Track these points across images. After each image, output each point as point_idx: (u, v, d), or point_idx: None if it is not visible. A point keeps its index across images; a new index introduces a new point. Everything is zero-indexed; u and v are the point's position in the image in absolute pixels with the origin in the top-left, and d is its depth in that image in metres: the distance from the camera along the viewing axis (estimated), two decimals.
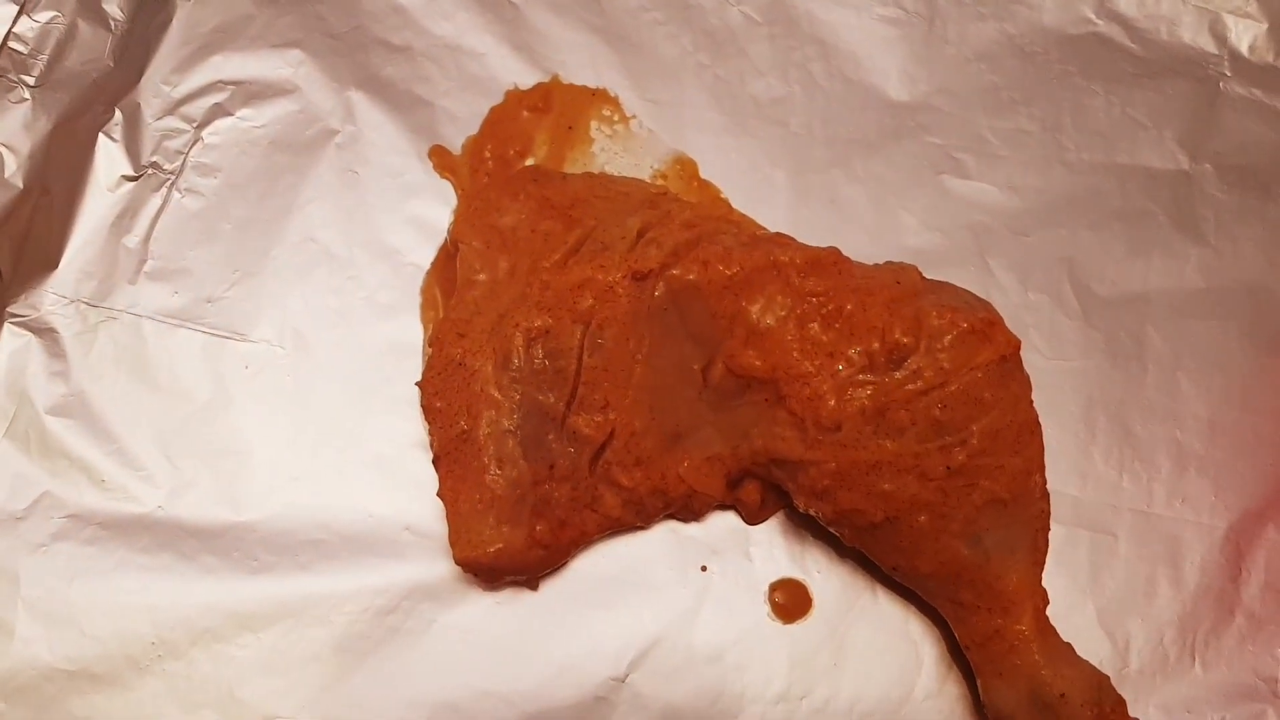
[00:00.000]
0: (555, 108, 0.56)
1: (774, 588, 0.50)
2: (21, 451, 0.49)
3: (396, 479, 0.50)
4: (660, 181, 0.55)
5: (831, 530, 0.48)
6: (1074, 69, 0.56)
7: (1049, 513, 0.47)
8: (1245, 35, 0.55)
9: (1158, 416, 0.52)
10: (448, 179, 0.55)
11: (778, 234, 0.51)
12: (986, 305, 0.48)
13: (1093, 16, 0.56)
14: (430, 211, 0.54)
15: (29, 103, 0.51)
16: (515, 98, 0.56)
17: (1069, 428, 0.52)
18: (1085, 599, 0.50)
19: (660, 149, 0.56)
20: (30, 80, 0.51)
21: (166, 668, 0.47)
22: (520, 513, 0.48)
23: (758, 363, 0.47)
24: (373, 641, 0.48)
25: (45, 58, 0.52)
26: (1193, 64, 0.55)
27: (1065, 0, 0.56)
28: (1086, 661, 0.46)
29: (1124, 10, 0.56)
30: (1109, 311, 0.53)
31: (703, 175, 0.55)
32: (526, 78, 0.56)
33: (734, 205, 0.55)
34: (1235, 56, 0.55)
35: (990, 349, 0.46)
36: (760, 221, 0.55)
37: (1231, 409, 0.51)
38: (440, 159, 0.55)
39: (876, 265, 0.50)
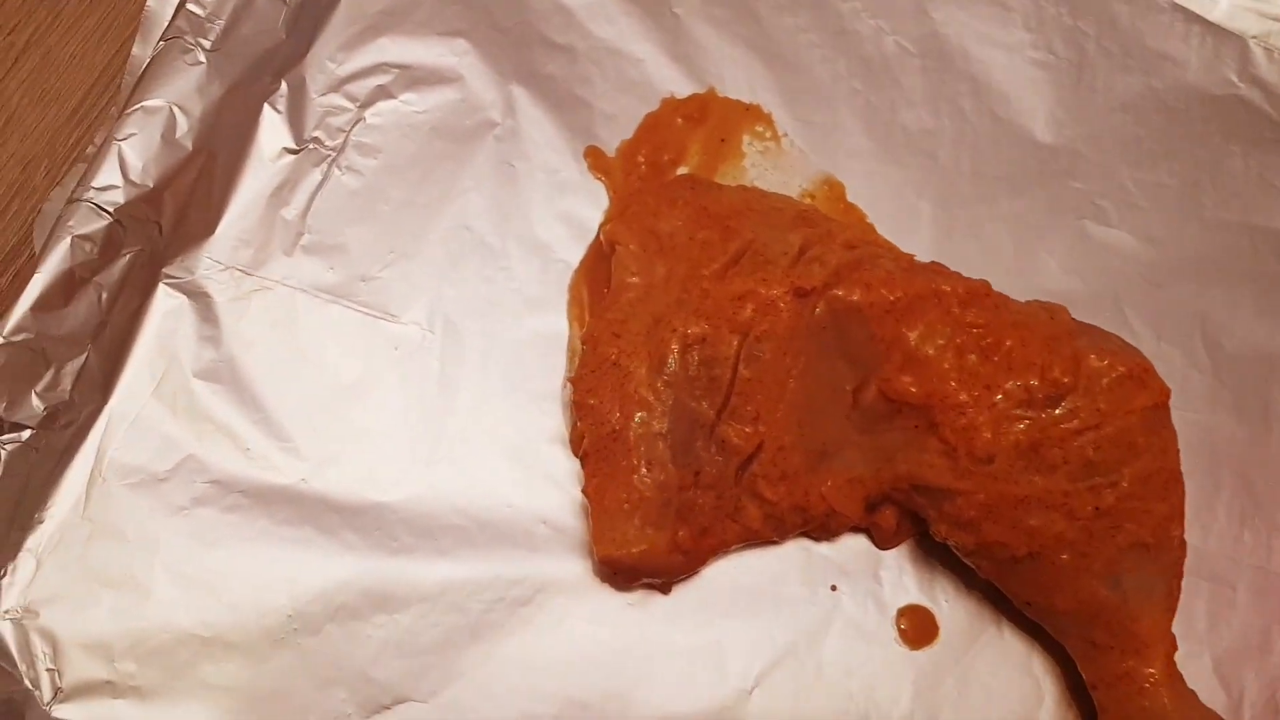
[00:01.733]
0: (710, 119, 0.56)
1: (901, 613, 0.50)
2: (169, 412, 0.49)
3: (535, 472, 0.51)
4: (808, 201, 0.56)
5: (968, 562, 0.49)
6: (1214, 129, 0.57)
7: (1184, 561, 0.48)
8: None
9: (1279, 476, 0.53)
10: (600, 180, 0.55)
11: (934, 263, 0.51)
12: (1137, 351, 0.49)
13: (1235, 79, 0.57)
14: (582, 210, 0.55)
15: (204, 66, 0.51)
16: (671, 106, 0.57)
17: (1194, 479, 0.52)
18: (1203, 648, 0.50)
19: (809, 169, 0.56)
20: (207, 44, 0.51)
21: (301, 641, 0.47)
22: (665, 516, 0.48)
23: (913, 389, 0.47)
24: (505, 631, 0.48)
25: (222, 23, 0.52)
26: None
27: (1210, 61, 0.58)
28: (1212, 710, 0.47)
29: (1265, 76, 0.57)
30: (1237, 369, 0.54)
31: (849, 198, 0.56)
32: (683, 87, 0.57)
33: (879, 231, 0.56)
34: None
35: (1146, 395, 0.46)
36: (904, 250, 0.55)
37: None
38: (595, 159, 0.56)
39: (1028, 303, 0.50)
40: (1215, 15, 0.58)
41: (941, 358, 0.47)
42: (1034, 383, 0.47)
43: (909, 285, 0.48)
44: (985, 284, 0.50)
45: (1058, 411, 0.46)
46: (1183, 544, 0.48)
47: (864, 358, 0.48)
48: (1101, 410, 0.46)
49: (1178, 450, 0.48)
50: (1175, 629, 0.49)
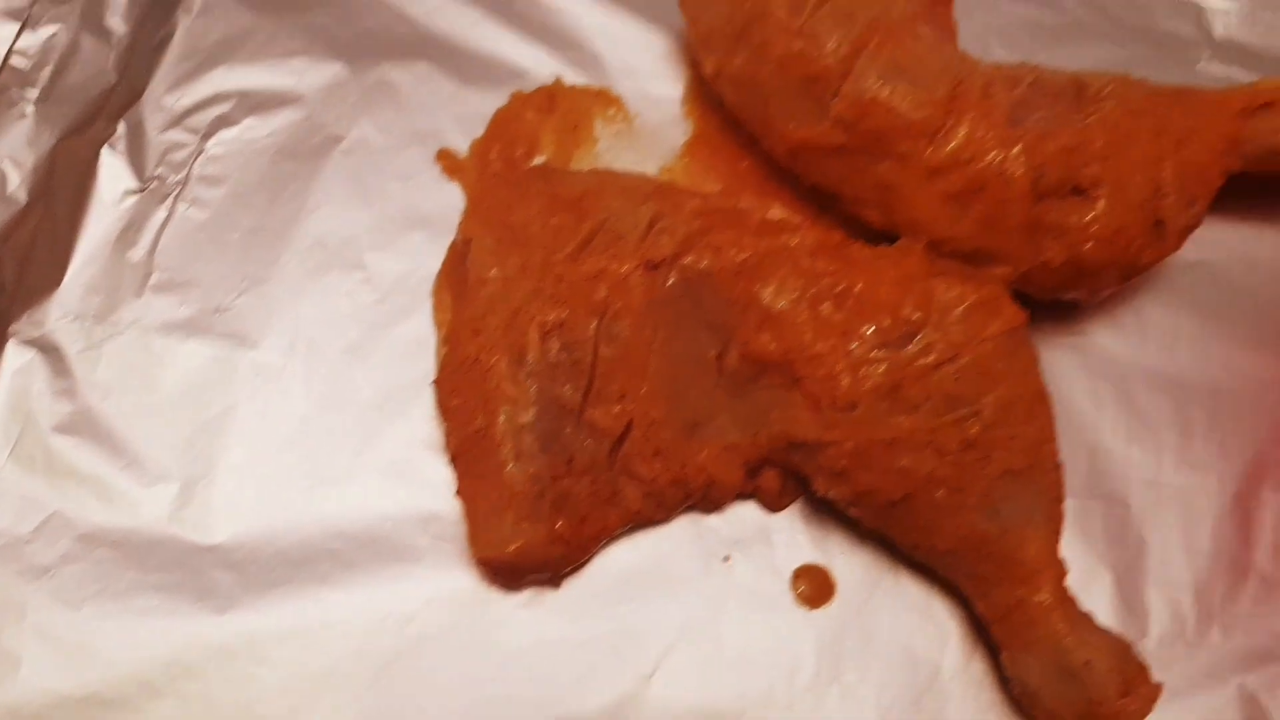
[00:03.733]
0: (559, 108, 0.57)
1: (797, 574, 0.50)
2: (27, 473, 0.48)
3: (413, 482, 0.50)
4: (666, 177, 0.56)
5: (851, 513, 0.48)
6: None
7: (1063, 483, 0.48)
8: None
9: (1159, 387, 0.53)
10: (455, 181, 0.55)
11: (784, 220, 0.51)
12: (991, 279, 0.49)
13: None
14: (439, 213, 0.54)
15: (32, 117, 0.51)
16: (520, 100, 0.57)
17: (1074, 399, 0.53)
18: (1102, 568, 0.50)
19: (664, 146, 0.57)
20: (33, 95, 0.51)
21: (182, 689, 0.46)
22: (540, 509, 0.47)
23: (772, 346, 0.47)
24: (395, 651, 0.47)
25: (48, 72, 0.52)
26: None
27: None
28: (1107, 630, 0.46)
29: None
30: None
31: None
32: (530, 79, 0.57)
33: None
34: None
35: (999, 321, 0.46)
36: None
37: (1231, 376, 0.53)
38: (448, 161, 0.55)
39: (882, 246, 0.51)
40: None
41: (796, 311, 0.47)
42: (887, 323, 0.46)
43: (757, 244, 0.48)
44: (838, 232, 0.50)
45: (912, 349, 0.46)
46: (1058, 465, 0.48)
47: (722, 322, 0.48)
48: (955, 342, 0.46)
49: (1039, 372, 0.48)
50: (1075, 551, 0.49)
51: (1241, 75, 0.57)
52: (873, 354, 0.46)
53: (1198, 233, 0.51)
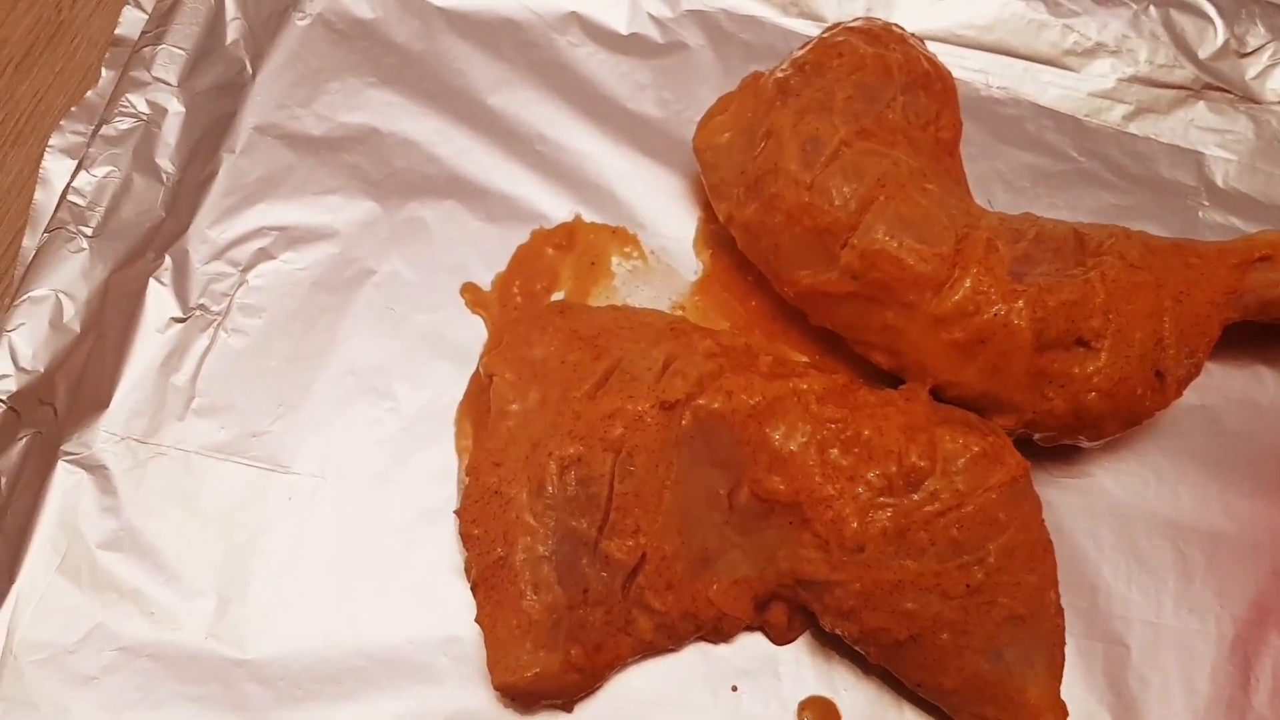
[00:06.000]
0: (578, 245, 0.59)
1: (803, 706, 0.51)
2: (73, 586, 0.51)
3: (434, 605, 0.52)
4: (679, 313, 0.58)
5: (857, 649, 0.50)
6: None
7: (1064, 627, 0.49)
8: None
9: (1160, 530, 0.54)
10: (479, 314, 0.58)
11: (794, 363, 0.53)
12: (994, 429, 0.51)
13: None
14: (463, 345, 0.57)
15: (86, 252, 0.54)
16: (541, 236, 0.59)
17: (1077, 542, 0.54)
18: (1102, 710, 0.51)
19: (678, 283, 0.59)
20: (88, 231, 0.55)
21: None
22: (556, 637, 0.49)
23: (781, 487, 0.49)
24: None
25: (102, 210, 0.55)
26: None
27: None
28: None
29: None
30: None
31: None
32: (551, 217, 0.60)
33: None
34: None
35: (1002, 471, 0.48)
36: None
37: (1231, 520, 0.54)
38: (472, 295, 0.58)
39: (890, 390, 0.53)
40: None
41: (805, 454, 0.49)
42: (893, 470, 0.48)
43: (767, 388, 0.50)
44: (846, 377, 0.52)
45: (918, 496, 0.48)
46: (1059, 610, 0.49)
47: (733, 461, 0.50)
48: (960, 490, 0.48)
49: (1041, 520, 0.49)
50: (1075, 692, 0.50)
51: (1241, 224, 0.59)
52: (880, 499, 0.48)
53: (1199, 378, 0.53)
